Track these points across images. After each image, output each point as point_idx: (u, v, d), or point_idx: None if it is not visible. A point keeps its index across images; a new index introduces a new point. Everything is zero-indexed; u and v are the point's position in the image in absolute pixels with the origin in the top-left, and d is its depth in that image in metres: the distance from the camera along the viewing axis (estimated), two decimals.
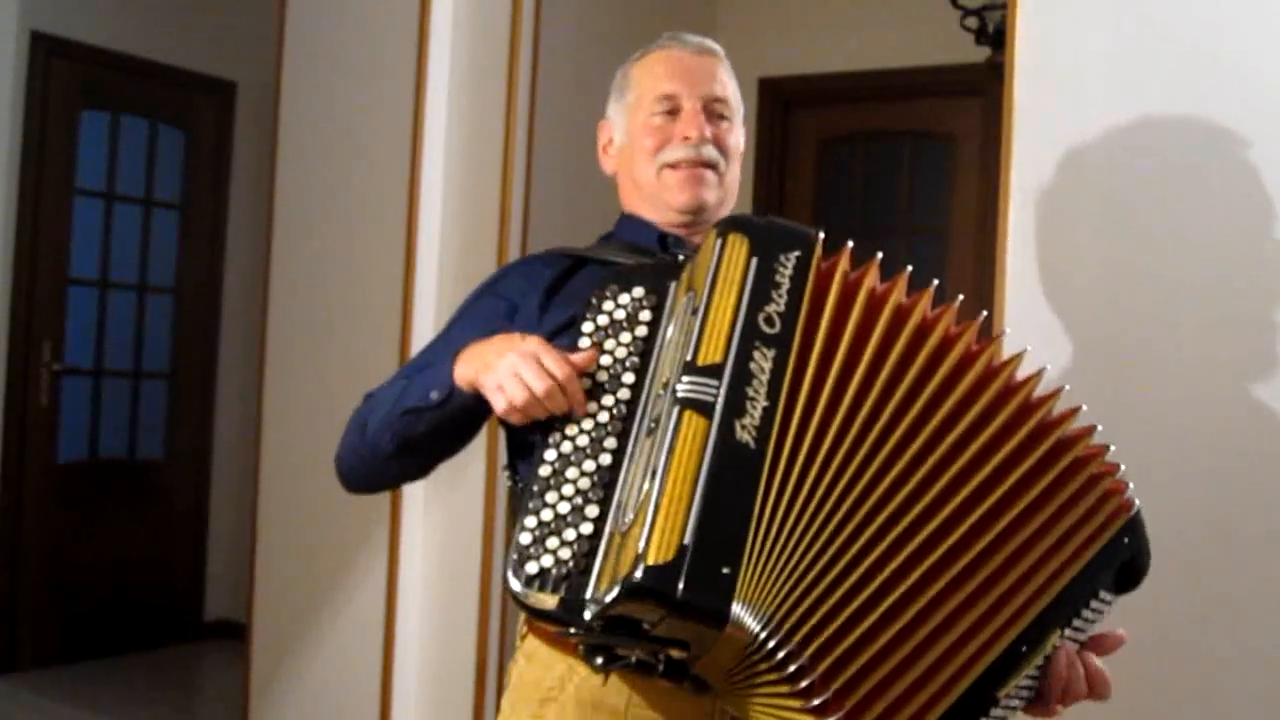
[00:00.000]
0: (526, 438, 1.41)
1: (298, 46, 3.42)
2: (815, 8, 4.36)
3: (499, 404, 1.30)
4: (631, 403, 1.29)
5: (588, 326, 1.35)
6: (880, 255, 1.32)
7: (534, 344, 1.30)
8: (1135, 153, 2.13)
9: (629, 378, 1.31)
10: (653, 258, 1.49)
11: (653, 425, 1.23)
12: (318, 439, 3.04)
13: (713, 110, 1.55)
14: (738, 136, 1.59)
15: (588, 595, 1.18)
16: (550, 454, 1.28)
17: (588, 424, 1.29)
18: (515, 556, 1.22)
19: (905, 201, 4.39)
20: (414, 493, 3.06)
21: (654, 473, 1.17)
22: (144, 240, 4.87)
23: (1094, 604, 1.28)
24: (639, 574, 1.10)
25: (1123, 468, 1.30)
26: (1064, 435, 1.28)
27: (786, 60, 4.33)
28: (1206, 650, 2.03)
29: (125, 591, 4.77)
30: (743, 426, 1.18)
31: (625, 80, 1.61)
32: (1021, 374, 1.30)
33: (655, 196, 1.55)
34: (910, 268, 1.31)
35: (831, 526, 1.17)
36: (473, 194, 3.13)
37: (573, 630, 1.20)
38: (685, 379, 1.21)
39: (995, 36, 3.60)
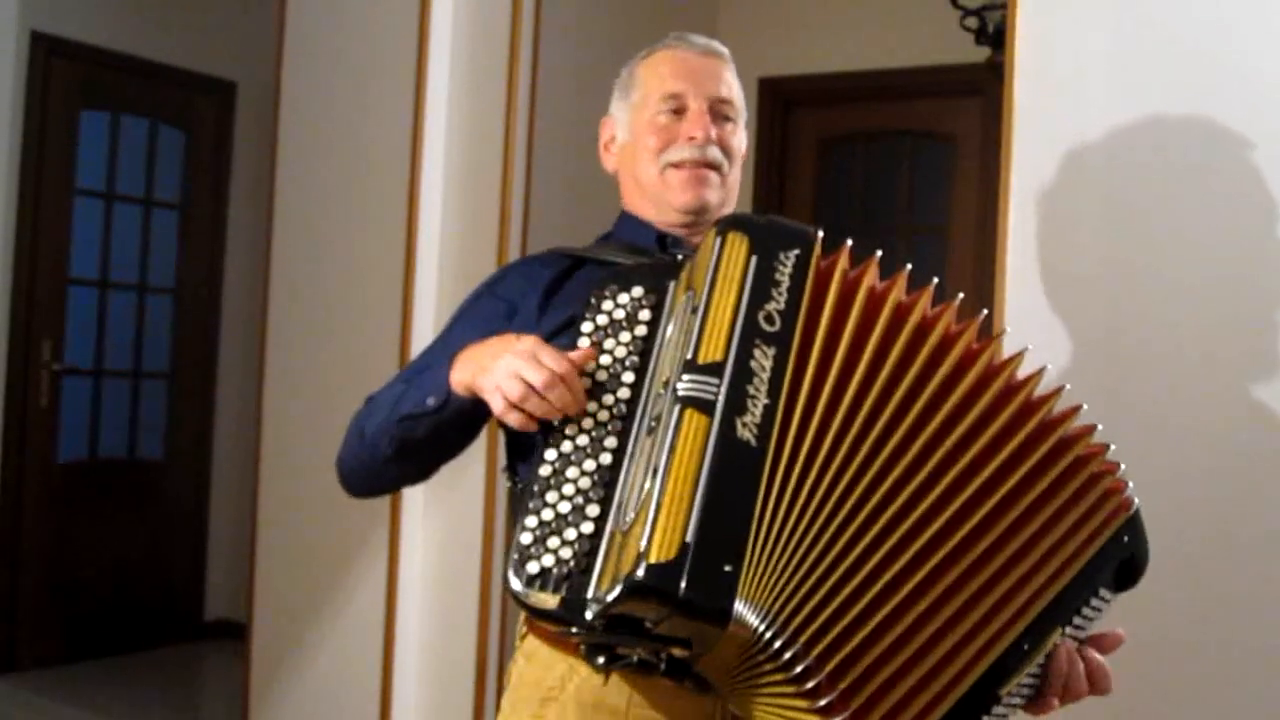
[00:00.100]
0: (526, 438, 1.40)
1: (298, 46, 3.42)
2: (815, 8, 4.36)
3: (498, 405, 1.30)
4: (631, 402, 1.29)
5: (587, 326, 1.35)
6: (879, 253, 1.32)
7: (530, 343, 1.30)
8: (1135, 153, 2.13)
9: (629, 377, 1.31)
10: (651, 257, 1.49)
11: (653, 424, 1.23)
12: (318, 439, 3.04)
13: (718, 111, 1.55)
14: (741, 138, 1.60)
15: (589, 594, 1.18)
16: (550, 454, 1.28)
17: (587, 423, 1.29)
18: (516, 556, 1.22)
19: (905, 201, 4.39)
20: (414, 493, 3.05)
21: (655, 471, 1.17)
22: (144, 240, 4.87)
23: (1094, 602, 1.29)
24: (641, 572, 1.10)
25: (1123, 467, 1.30)
26: (1065, 434, 1.28)
27: (786, 60, 4.33)
28: (1206, 650, 2.03)
29: (125, 591, 4.77)
30: (744, 424, 1.18)
31: (630, 78, 1.61)
32: (1022, 373, 1.31)
33: (657, 196, 1.55)
34: (910, 266, 1.31)
35: (834, 525, 1.17)
36: (473, 194, 3.13)
37: (574, 630, 1.20)
38: (686, 377, 1.21)
39: (995, 36, 3.60)
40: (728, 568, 1.12)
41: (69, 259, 4.59)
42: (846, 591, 1.15)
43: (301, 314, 3.39)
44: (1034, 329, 2.16)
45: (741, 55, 1.67)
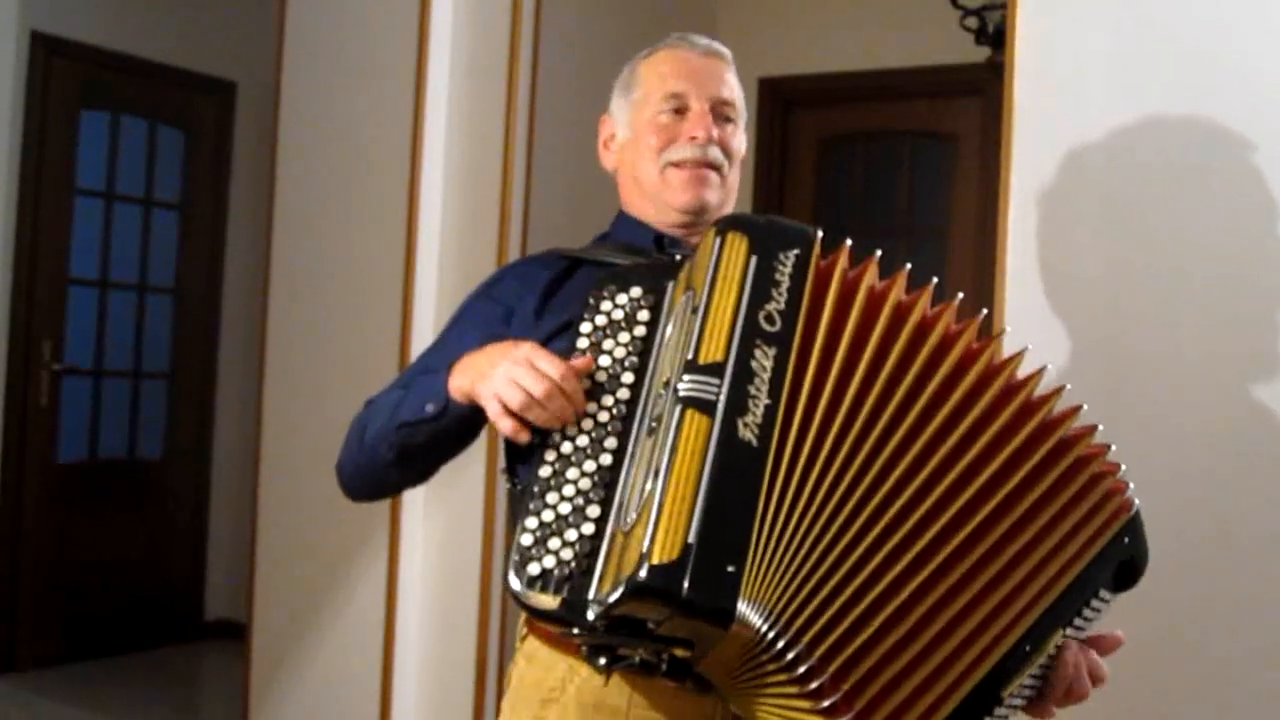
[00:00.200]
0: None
1: (298, 46, 3.42)
2: (815, 8, 4.36)
3: (496, 413, 1.30)
4: (631, 403, 1.29)
5: (586, 327, 1.35)
6: (879, 253, 1.32)
7: (526, 349, 1.30)
8: (1135, 153, 2.13)
9: (628, 378, 1.31)
10: (649, 258, 1.49)
11: (654, 425, 1.23)
12: (317, 439, 3.04)
13: (719, 112, 1.55)
14: (741, 140, 1.60)
15: (591, 595, 1.18)
16: (550, 454, 1.28)
17: (587, 424, 1.28)
18: (517, 558, 1.22)
19: (905, 201, 4.39)
20: (414, 493, 3.05)
21: (656, 472, 1.16)
22: (144, 240, 4.87)
23: (1094, 603, 1.29)
24: (644, 573, 1.10)
25: (1123, 467, 1.30)
26: (1066, 434, 1.28)
27: (786, 60, 4.33)
28: (1206, 650, 2.03)
29: (125, 591, 4.77)
30: (745, 425, 1.18)
31: (632, 77, 1.60)
32: (1022, 373, 1.31)
33: (657, 195, 1.55)
34: (910, 266, 1.31)
35: (836, 525, 1.17)
36: (473, 194, 3.13)
37: (576, 631, 1.20)
38: (687, 378, 1.20)
39: (995, 36, 3.60)
40: (730, 568, 1.11)
41: (69, 259, 4.59)
42: (849, 592, 1.15)
43: (301, 314, 3.39)
44: (1034, 329, 2.16)
45: (741, 55, 1.67)
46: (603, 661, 1.24)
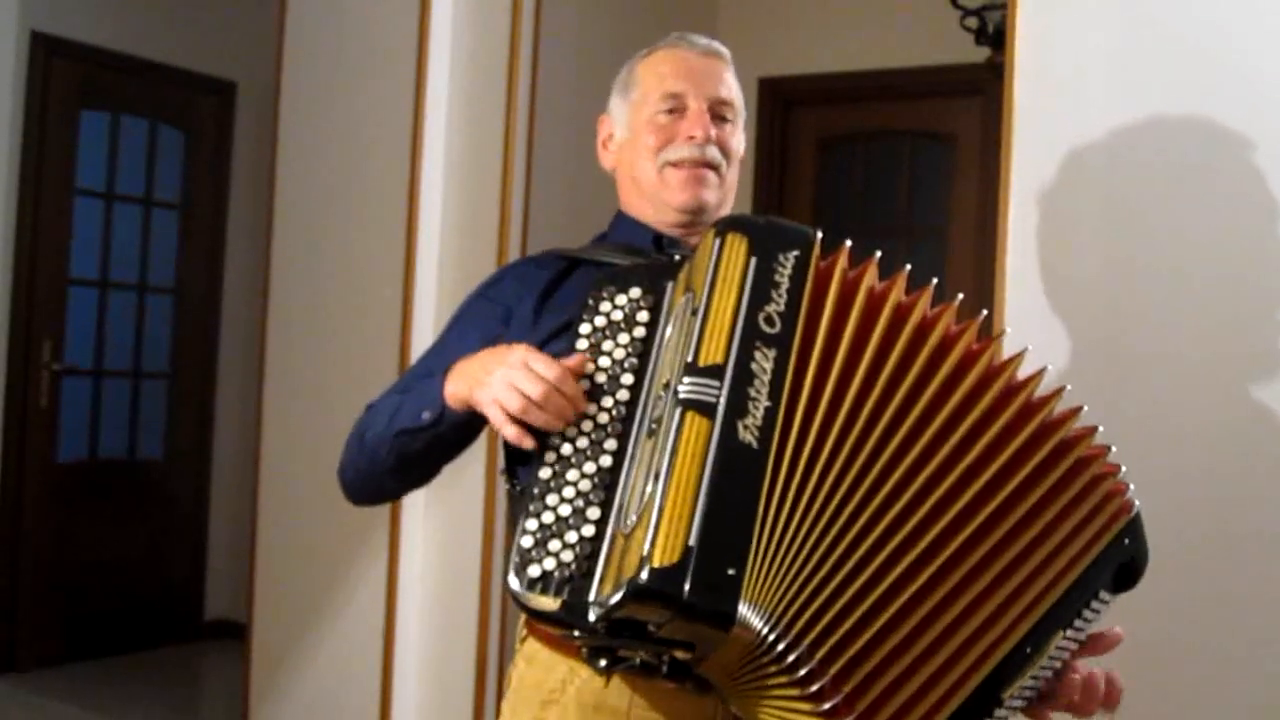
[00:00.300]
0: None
1: (298, 46, 3.42)
2: (815, 8, 4.36)
3: (496, 418, 1.30)
4: (630, 404, 1.29)
5: (585, 328, 1.35)
6: (879, 254, 1.32)
7: (521, 353, 1.30)
8: (1136, 153, 2.13)
9: (627, 379, 1.30)
10: (648, 258, 1.49)
11: (654, 426, 1.23)
12: (317, 439, 3.04)
13: (717, 112, 1.55)
14: (740, 140, 1.59)
15: (591, 597, 1.18)
16: (550, 456, 1.28)
17: (586, 426, 1.28)
18: (517, 559, 1.22)
19: (905, 201, 4.38)
20: (414, 494, 3.05)
21: (656, 474, 1.16)
22: (144, 240, 4.87)
23: (1094, 604, 1.29)
24: (644, 576, 1.10)
25: (1124, 469, 1.30)
26: (1066, 436, 1.28)
27: (786, 60, 4.32)
28: (1206, 650, 2.03)
29: (125, 591, 4.77)
30: (745, 427, 1.18)
31: (631, 76, 1.60)
32: (1022, 374, 1.30)
33: (655, 195, 1.55)
34: (909, 266, 1.31)
35: (837, 527, 1.17)
36: (473, 194, 3.13)
37: (576, 632, 1.20)
38: (687, 380, 1.20)
39: (995, 36, 3.60)
40: (731, 571, 1.11)
41: (69, 259, 4.59)
42: (850, 594, 1.15)
43: (301, 314, 3.39)
44: (1034, 330, 2.16)
45: (741, 55, 1.67)
46: (603, 663, 1.23)
